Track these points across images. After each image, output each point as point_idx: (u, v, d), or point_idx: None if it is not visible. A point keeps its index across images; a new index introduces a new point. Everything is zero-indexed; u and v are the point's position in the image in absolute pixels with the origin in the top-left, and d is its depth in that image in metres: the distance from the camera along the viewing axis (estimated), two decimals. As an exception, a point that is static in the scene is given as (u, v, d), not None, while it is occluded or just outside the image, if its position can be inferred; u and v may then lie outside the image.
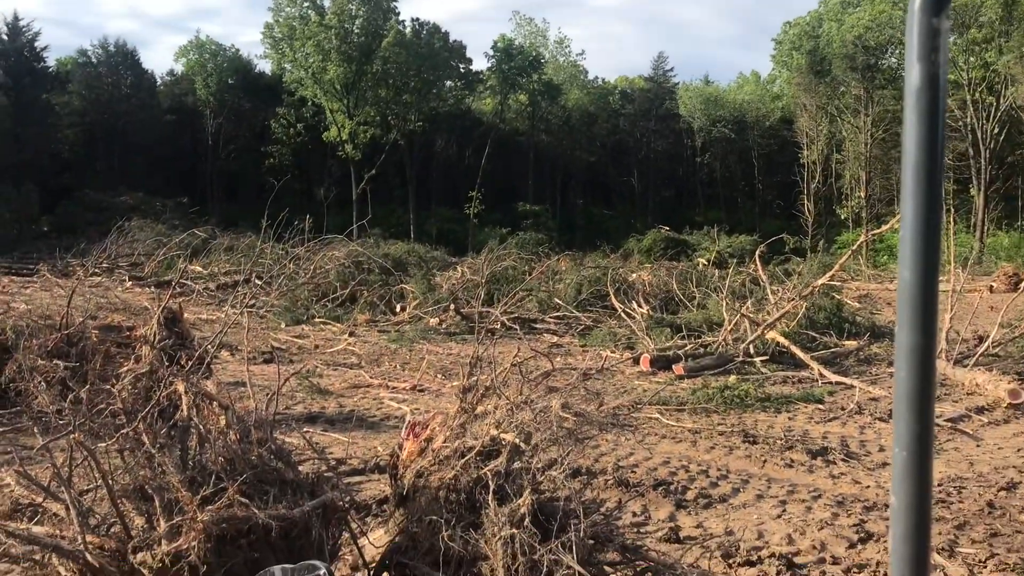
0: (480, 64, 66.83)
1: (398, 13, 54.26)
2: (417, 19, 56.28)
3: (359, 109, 53.14)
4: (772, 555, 5.49)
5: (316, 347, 14.93)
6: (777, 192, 62.70)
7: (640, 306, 17.67)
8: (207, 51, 56.25)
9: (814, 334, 14.51)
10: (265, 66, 58.11)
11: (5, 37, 46.84)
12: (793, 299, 14.76)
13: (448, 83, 57.68)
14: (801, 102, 54.87)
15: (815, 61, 53.41)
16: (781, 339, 13.61)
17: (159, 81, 57.86)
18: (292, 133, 54.41)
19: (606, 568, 4.54)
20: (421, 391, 11.21)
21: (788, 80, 62.68)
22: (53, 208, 41.92)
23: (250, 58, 59.33)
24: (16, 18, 46.88)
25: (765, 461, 7.93)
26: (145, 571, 3.73)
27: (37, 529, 4.47)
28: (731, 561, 5.40)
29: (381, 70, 52.28)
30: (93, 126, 48.83)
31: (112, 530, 4.21)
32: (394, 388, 11.41)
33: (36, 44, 47.84)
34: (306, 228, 24.30)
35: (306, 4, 51.54)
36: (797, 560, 5.48)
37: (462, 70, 57.64)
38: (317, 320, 18.10)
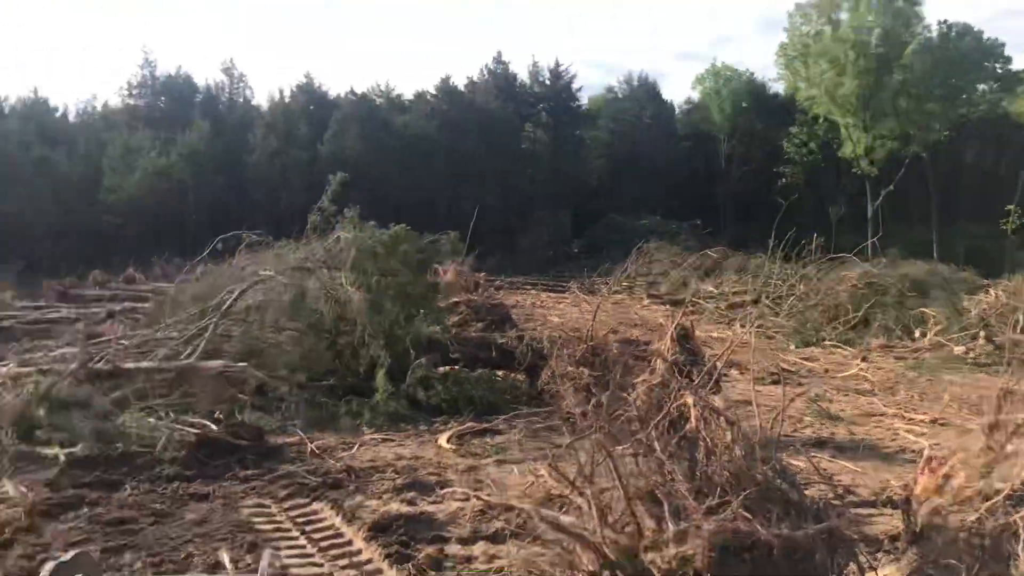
0: (1021, 62, 59.30)
1: (923, 19, 50.47)
2: (944, 21, 51.61)
3: (876, 123, 50.40)
4: None
5: (826, 371, 14.49)
6: None
7: None
8: (722, 77, 57.86)
9: None
10: (778, 87, 58.05)
11: (548, 82, 53.23)
12: None
13: (981, 87, 52.01)
14: None
15: None
16: None
17: (677, 110, 60.99)
18: (804, 152, 53.49)
19: None
20: (942, 425, 10.27)
21: None
22: (583, 232, 46.40)
23: (763, 80, 59.71)
24: (557, 64, 53.08)
25: None
26: (654, 570, 3.97)
27: (564, 518, 5.00)
28: None
29: (902, 80, 49.02)
30: (617, 156, 53.02)
31: (626, 528, 4.54)
32: (911, 419, 10.62)
33: (572, 85, 53.70)
34: (814, 248, 23.71)
35: (821, 20, 50.42)
36: None
37: (998, 71, 51.58)
38: (827, 343, 17.55)
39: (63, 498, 6.93)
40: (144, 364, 10.97)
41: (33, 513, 6.53)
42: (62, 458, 7.86)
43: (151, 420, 8.80)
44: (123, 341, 12.25)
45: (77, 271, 27.08)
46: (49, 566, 1.62)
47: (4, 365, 11.67)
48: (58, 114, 45.06)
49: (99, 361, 10.87)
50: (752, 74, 58.82)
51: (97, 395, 9.58)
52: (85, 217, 35.84)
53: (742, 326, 17.92)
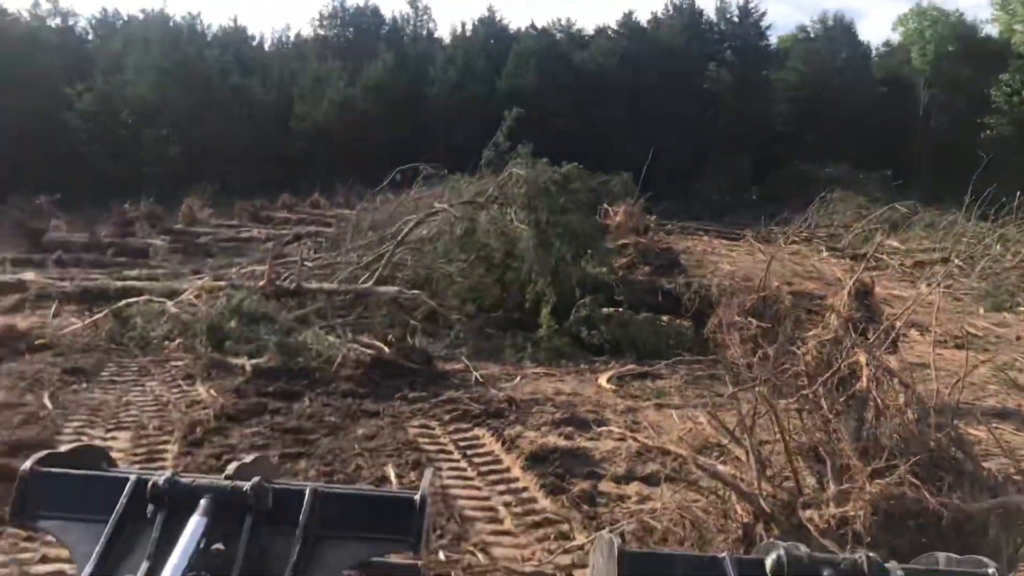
0: None
1: None
2: None
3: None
4: None
5: (1017, 338, 13.52)
6: None
7: None
8: (927, 18, 53.83)
9: None
10: (991, 29, 53.46)
11: (736, 19, 51.23)
12: None
13: None
14: None
15: None
16: None
17: (874, 53, 57.36)
18: (1015, 101, 49.19)
19: None
20: None
21: None
22: (762, 178, 44.78)
23: (974, 22, 55.10)
24: (747, 0, 50.96)
25: None
26: (811, 528, 3.89)
27: (721, 467, 4.97)
28: None
29: None
30: (805, 100, 50.60)
31: (784, 483, 4.46)
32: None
33: (761, 23, 51.51)
34: (1017, 206, 21.93)
35: (1046, -46, 45.83)
36: None
37: None
38: (1022, 309, 16.33)
39: (248, 405, 7.48)
40: (325, 285, 11.60)
41: (221, 416, 7.11)
42: (249, 368, 8.47)
43: (330, 338, 9.32)
44: (307, 263, 12.97)
45: (267, 194, 28.75)
46: (233, 465, 1.79)
47: (200, 278, 12.63)
48: (254, 43, 47.50)
49: (285, 280, 11.57)
50: (961, 15, 54.39)
51: (282, 311, 10.24)
52: (276, 143, 37.78)
53: (928, 285, 16.92)
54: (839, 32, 54.31)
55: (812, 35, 55.21)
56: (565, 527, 5.31)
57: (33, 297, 11.62)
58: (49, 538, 4.40)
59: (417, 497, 1.68)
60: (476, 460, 6.54)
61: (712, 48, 50.80)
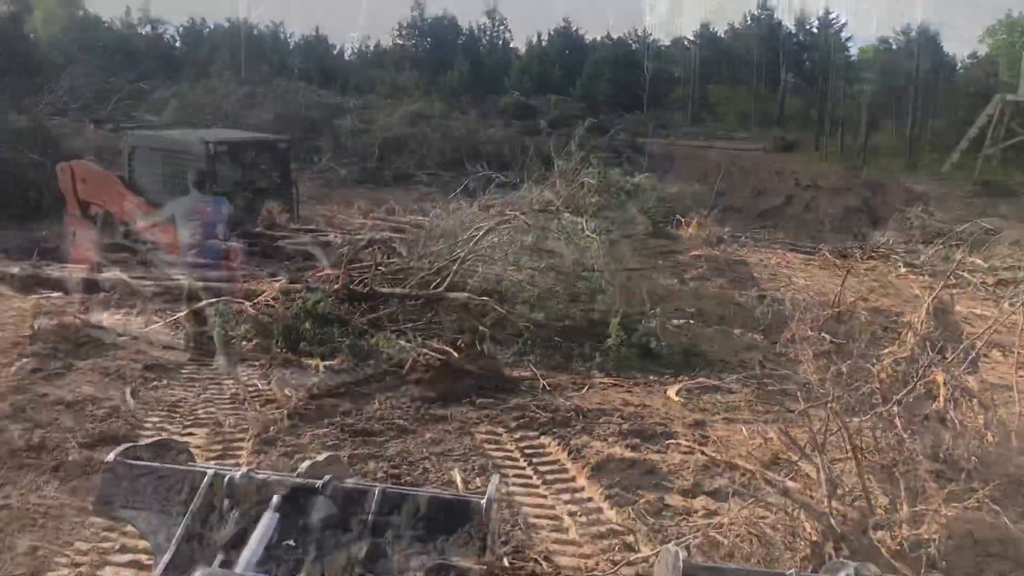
0: None
1: None
2: None
3: None
4: None
5: (1108, 362, 12.96)
6: None
7: None
8: (1017, 30, 52.13)
9: None
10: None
11: (815, 30, 50.38)
12: None
13: None
14: None
15: None
16: None
17: (959, 65, 55.74)
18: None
19: None
20: None
21: None
22: (840, 191, 43.92)
23: (1068, 31, 53.11)
24: (827, 12, 50.11)
25: None
26: (882, 549, 3.80)
27: (790, 484, 4.89)
28: None
29: None
30: (884, 113, 49.47)
31: (855, 503, 4.37)
32: None
33: (841, 35, 50.56)
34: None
35: None
36: None
37: None
38: (1114, 332, 15.65)
39: (319, 405, 7.63)
40: (397, 290, 11.73)
41: (294, 416, 7.26)
42: (321, 369, 8.63)
43: (400, 342, 9.42)
44: (380, 267, 13.14)
45: (344, 198, 29.23)
46: (306, 464, 1.86)
47: (277, 280, 12.90)
48: (335, 51, 48.49)
49: (358, 284, 11.75)
50: (1056, 24, 52.50)
51: (355, 314, 10.40)
52: (353, 149, 38.35)
53: (1011, 304, 16.33)
54: (922, 44, 52.87)
55: (894, 47, 53.92)
56: (630, 539, 5.28)
57: (118, 295, 12.01)
58: (129, 528, 4.57)
59: (484, 502, 1.70)
60: (542, 468, 6.55)
61: (790, 59, 50.03)
